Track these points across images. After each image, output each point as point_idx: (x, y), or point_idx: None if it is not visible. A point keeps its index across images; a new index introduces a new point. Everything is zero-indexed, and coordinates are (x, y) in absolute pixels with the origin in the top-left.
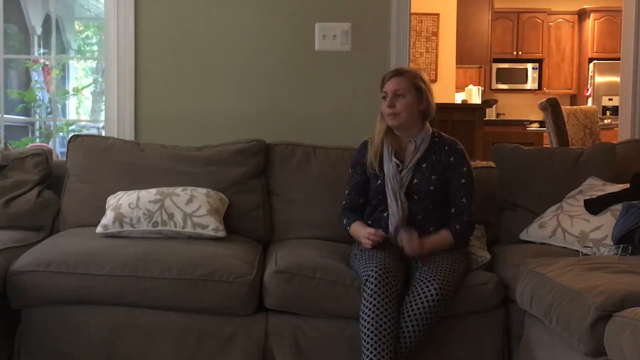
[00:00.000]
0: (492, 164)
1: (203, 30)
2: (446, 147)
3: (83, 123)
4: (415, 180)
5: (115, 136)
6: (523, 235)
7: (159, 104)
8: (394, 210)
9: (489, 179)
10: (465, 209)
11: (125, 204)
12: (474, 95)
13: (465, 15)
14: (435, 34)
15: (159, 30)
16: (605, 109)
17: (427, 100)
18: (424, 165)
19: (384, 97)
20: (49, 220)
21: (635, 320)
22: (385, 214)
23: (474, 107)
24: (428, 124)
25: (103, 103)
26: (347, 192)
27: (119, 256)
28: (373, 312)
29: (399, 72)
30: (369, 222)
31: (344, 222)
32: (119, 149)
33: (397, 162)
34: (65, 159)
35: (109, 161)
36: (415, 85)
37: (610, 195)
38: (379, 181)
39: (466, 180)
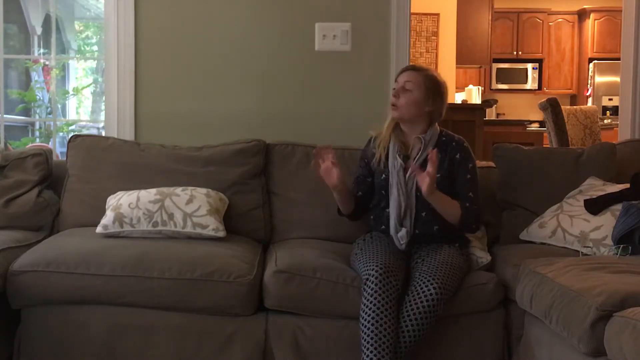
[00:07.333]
0: (492, 164)
1: (203, 30)
2: (453, 144)
3: (83, 123)
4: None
5: (115, 136)
6: (523, 235)
7: (159, 104)
8: (396, 205)
9: (489, 179)
10: (472, 201)
11: (125, 204)
12: (474, 95)
13: (465, 15)
14: (435, 34)
15: (159, 30)
16: (605, 109)
17: (436, 103)
18: (428, 164)
19: (394, 88)
20: (49, 220)
21: (635, 320)
22: (386, 211)
23: (474, 107)
24: (437, 124)
25: (103, 103)
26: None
27: (119, 256)
28: (373, 311)
29: (414, 68)
30: (372, 216)
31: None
32: (119, 149)
33: (401, 162)
34: (65, 159)
35: (109, 161)
36: (427, 85)
37: (610, 195)
38: (383, 175)
39: (471, 176)
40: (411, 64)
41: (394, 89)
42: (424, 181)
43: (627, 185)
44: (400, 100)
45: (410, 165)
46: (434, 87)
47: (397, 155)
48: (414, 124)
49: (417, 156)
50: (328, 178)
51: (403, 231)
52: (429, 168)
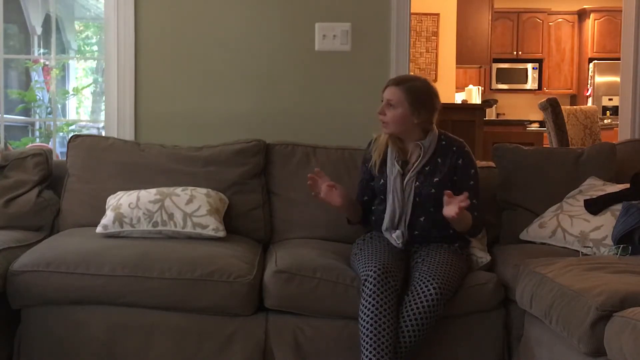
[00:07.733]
0: (492, 164)
1: (203, 30)
2: (454, 149)
3: (83, 123)
4: (417, 183)
5: (115, 136)
6: (523, 235)
7: (159, 104)
8: (390, 210)
9: (489, 179)
10: (475, 208)
11: (125, 204)
12: (474, 95)
13: (465, 15)
14: (435, 34)
15: (159, 30)
16: (605, 109)
17: (423, 114)
18: (427, 169)
19: (382, 100)
20: (49, 220)
21: (635, 320)
22: (384, 215)
23: (474, 107)
24: (435, 127)
25: (103, 103)
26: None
27: (119, 256)
28: (372, 312)
29: (396, 82)
30: (373, 217)
31: None
32: (119, 149)
33: (399, 169)
34: (65, 159)
35: (109, 161)
36: (410, 99)
37: (610, 195)
38: (382, 180)
39: (474, 182)
40: (396, 77)
41: (382, 101)
42: (449, 214)
43: (627, 185)
44: (387, 116)
45: (410, 169)
46: (418, 100)
47: (395, 162)
48: (408, 134)
49: (417, 162)
50: (331, 200)
51: (397, 232)
52: (457, 211)
